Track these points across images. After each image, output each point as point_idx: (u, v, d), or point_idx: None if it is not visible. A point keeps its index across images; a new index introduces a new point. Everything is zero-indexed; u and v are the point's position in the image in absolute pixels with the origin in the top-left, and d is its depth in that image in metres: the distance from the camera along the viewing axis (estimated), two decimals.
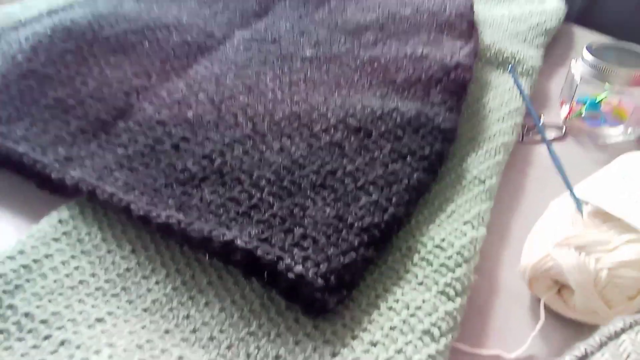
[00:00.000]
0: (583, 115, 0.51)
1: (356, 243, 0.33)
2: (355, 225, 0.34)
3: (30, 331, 0.30)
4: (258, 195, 0.36)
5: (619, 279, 0.31)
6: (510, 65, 0.52)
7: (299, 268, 0.31)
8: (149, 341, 0.30)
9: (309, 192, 0.37)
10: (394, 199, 0.36)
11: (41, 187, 0.41)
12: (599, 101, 0.49)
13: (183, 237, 0.34)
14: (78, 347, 0.29)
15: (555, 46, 0.69)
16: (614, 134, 0.51)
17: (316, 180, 0.38)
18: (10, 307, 0.31)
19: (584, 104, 0.51)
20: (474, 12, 0.62)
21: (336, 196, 0.37)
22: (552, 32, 0.67)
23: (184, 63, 0.52)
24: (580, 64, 0.51)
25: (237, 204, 0.36)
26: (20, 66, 0.48)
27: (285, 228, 0.34)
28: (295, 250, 0.33)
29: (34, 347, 0.29)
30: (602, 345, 0.20)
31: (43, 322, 0.30)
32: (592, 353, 0.19)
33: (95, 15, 0.55)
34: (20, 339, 0.29)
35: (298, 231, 0.34)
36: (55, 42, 0.50)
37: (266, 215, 0.35)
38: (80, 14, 0.55)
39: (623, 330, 0.20)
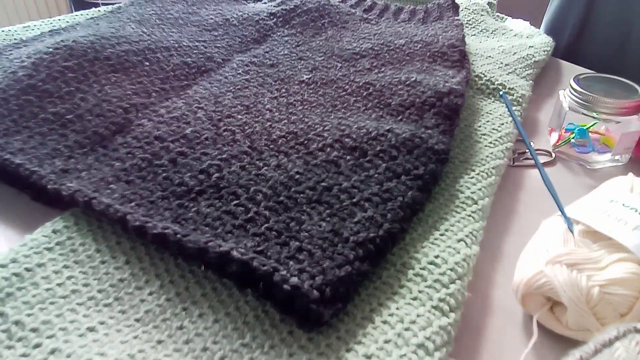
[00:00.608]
0: (572, 142, 0.52)
1: (351, 257, 0.33)
2: (351, 239, 0.34)
3: (20, 339, 0.29)
4: (254, 209, 0.37)
5: (611, 296, 0.31)
6: (502, 92, 0.54)
7: (294, 280, 0.31)
8: (141, 351, 0.29)
9: (305, 207, 0.37)
10: (388, 215, 0.37)
11: (36, 199, 0.41)
12: (587, 129, 0.51)
13: (179, 249, 0.34)
14: (69, 356, 0.29)
15: (543, 79, 0.71)
16: (602, 160, 0.52)
17: (312, 196, 0.38)
18: (1, 314, 0.30)
19: (572, 132, 0.52)
20: (465, 43, 0.64)
21: (332, 211, 0.37)
22: (540, 64, 0.69)
23: (183, 83, 0.54)
24: (568, 94, 0.53)
25: (233, 217, 0.36)
26: (20, 81, 0.48)
27: (281, 241, 0.34)
28: (291, 263, 0.33)
29: (24, 355, 0.29)
30: (596, 352, 0.20)
31: (33, 330, 0.30)
32: None
33: (97, 36, 0.56)
34: (9, 347, 0.29)
35: (294, 244, 0.34)
36: (57, 60, 0.51)
37: (262, 228, 0.35)
38: (82, 34, 0.56)
39: (617, 339, 0.20)
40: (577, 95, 0.51)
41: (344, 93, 0.53)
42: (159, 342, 0.30)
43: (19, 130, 0.45)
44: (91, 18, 0.67)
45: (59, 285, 0.33)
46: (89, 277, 0.34)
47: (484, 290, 0.38)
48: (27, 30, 0.68)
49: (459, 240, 0.38)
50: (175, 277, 0.34)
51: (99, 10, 0.74)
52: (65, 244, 0.36)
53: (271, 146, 0.44)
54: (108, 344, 0.30)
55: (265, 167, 0.41)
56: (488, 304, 0.37)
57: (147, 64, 0.54)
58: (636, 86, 0.52)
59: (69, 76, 0.50)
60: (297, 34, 0.67)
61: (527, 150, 0.52)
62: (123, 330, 0.31)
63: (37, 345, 0.29)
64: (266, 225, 0.36)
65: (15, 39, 0.64)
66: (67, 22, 0.71)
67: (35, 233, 0.37)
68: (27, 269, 0.33)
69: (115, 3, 0.78)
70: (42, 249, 0.35)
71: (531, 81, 0.64)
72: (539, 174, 0.42)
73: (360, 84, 0.54)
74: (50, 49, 0.52)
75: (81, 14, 0.73)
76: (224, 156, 0.42)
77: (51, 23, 0.70)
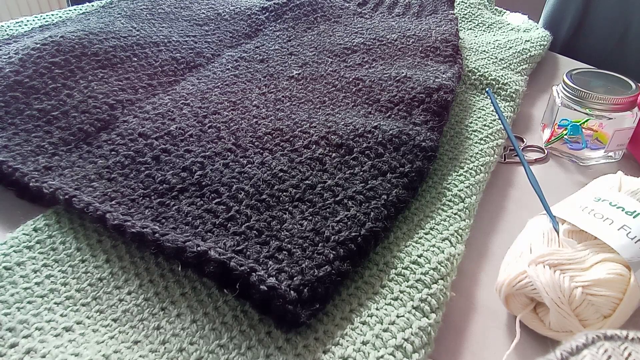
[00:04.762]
0: (565, 138, 0.51)
1: (331, 257, 0.33)
2: (332, 238, 0.34)
3: None
4: (236, 207, 0.36)
5: (593, 298, 0.31)
6: (487, 88, 0.53)
7: (271, 280, 0.30)
8: (116, 352, 0.29)
9: (287, 205, 0.37)
10: (372, 214, 0.36)
11: (20, 196, 0.41)
12: (580, 125, 0.50)
13: (157, 248, 0.33)
14: (44, 356, 0.29)
15: (539, 74, 0.70)
16: (595, 156, 0.51)
17: (295, 194, 0.38)
18: None
19: (565, 128, 0.51)
20: (458, 37, 0.63)
21: (314, 210, 0.36)
22: (536, 59, 0.68)
23: (171, 79, 0.53)
24: (561, 90, 0.52)
25: (214, 215, 0.36)
26: (7, 77, 0.48)
27: (261, 240, 0.34)
28: (270, 263, 0.32)
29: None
30: None
31: (10, 330, 0.30)
32: None
33: (85, 32, 0.56)
34: None
35: (274, 244, 0.34)
36: (44, 56, 0.51)
37: (243, 227, 0.35)
38: (71, 30, 0.56)
39: (585, 346, 0.19)
40: (570, 91, 0.50)
41: (333, 89, 0.52)
42: (135, 342, 0.30)
43: (4, 127, 0.44)
44: (82, 13, 0.67)
45: (37, 284, 0.33)
46: (68, 276, 0.34)
47: (468, 289, 0.37)
48: (19, 26, 0.68)
49: (443, 239, 0.37)
50: (154, 276, 0.34)
51: (92, 5, 0.73)
52: (45, 242, 0.36)
53: (256, 143, 0.43)
54: (83, 344, 0.29)
55: (249, 165, 0.41)
56: (472, 304, 0.36)
57: (135, 59, 0.54)
58: (630, 81, 0.51)
59: (56, 72, 0.50)
60: (289, 29, 0.66)
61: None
62: (100, 330, 0.31)
63: (13, 345, 0.29)
64: (247, 224, 0.35)
65: (8, 35, 0.64)
66: (60, 17, 0.70)
67: (16, 231, 0.36)
68: (6, 268, 0.33)
69: None
70: (22, 247, 0.35)
71: (526, 76, 0.64)
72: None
73: (350, 79, 0.53)
74: (38, 45, 0.52)
75: (74, 9, 0.73)
76: (207, 153, 0.41)
77: (43, 18, 0.70)
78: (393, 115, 0.47)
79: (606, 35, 0.78)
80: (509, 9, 0.86)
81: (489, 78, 0.59)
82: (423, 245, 0.37)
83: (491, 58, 0.65)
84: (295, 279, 0.31)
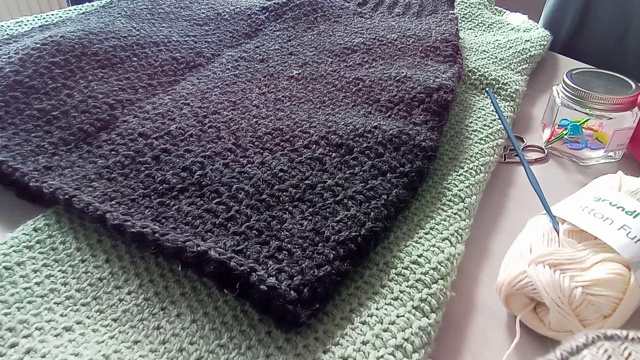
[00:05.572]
0: (565, 138, 0.51)
1: (331, 256, 0.33)
2: (332, 238, 0.34)
3: None
4: (236, 207, 0.36)
5: (593, 298, 0.31)
6: (487, 87, 0.53)
7: (271, 280, 0.30)
8: (116, 352, 0.29)
9: (287, 205, 0.37)
10: (372, 214, 0.36)
11: (20, 196, 0.41)
12: (580, 124, 0.50)
13: (157, 248, 0.33)
14: (44, 356, 0.29)
15: (539, 73, 0.70)
16: (595, 156, 0.51)
17: (295, 194, 0.38)
18: None
19: (565, 128, 0.51)
20: (458, 37, 0.63)
21: (314, 210, 0.37)
22: (536, 59, 0.68)
23: (171, 79, 0.53)
24: (561, 90, 0.52)
25: (214, 215, 0.36)
26: (7, 77, 0.48)
27: (261, 240, 0.34)
28: (270, 263, 0.32)
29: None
30: None
31: (10, 329, 0.30)
32: None
33: (85, 32, 0.56)
34: None
35: (274, 243, 0.34)
36: (44, 55, 0.51)
37: (243, 227, 0.35)
38: (71, 30, 0.56)
39: (585, 346, 0.19)
40: (570, 90, 0.50)
41: (333, 89, 0.52)
42: (135, 342, 0.30)
43: (4, 127, 0.44)
44: (82, 13, 0.67)
45: (37, 284, 0.33)
46: (68, 276, 0.34)
47: (468, 289, 0.37)
48: (19, 26, 0.68)
49: (443, 239, 0.37)
50: (154, 276, 0.34)
51: (92, 5, 0.73)
52: (45, 242, 0.36)
53: (256, 143, 0.43)
54: (83, 344, 0.29)
55: (249, 165, 0.41)
56: (472, 304, 0.36)
57: (135, 59, 0.54)
58: (630, 81, 0.51)
59: (56, 72, 0.50)
60: (289, 29, 0.66)
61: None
62: (100, 330, 0.31)
63: (13, 345, 0.29)
64: (247, 224, 0.35)
65: (7, 35, 0.64)
66: (60, 17, 0.70)
67: (16, 231, 0.37)
68: (6, 268, 0.33)
69: None
70: (22, 247, 0.35)
71: (526, 76, 0.64)
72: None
73: (350, 79, 0.53)
74: (38, 45, 0.52)
75: (74, 9, 0.73)
76: (207, 153, 0.41)
77: (43, 18, 0.70)
78: (393, 115, 0.47)
79: (606, 35, 0.78)
80: (509, 9, 0.86)
81: (489, 78, 0.59)
82: (423, 245, 0.37)
83: (491, 58, 0.65)
84: (295, 278, 0.31)
